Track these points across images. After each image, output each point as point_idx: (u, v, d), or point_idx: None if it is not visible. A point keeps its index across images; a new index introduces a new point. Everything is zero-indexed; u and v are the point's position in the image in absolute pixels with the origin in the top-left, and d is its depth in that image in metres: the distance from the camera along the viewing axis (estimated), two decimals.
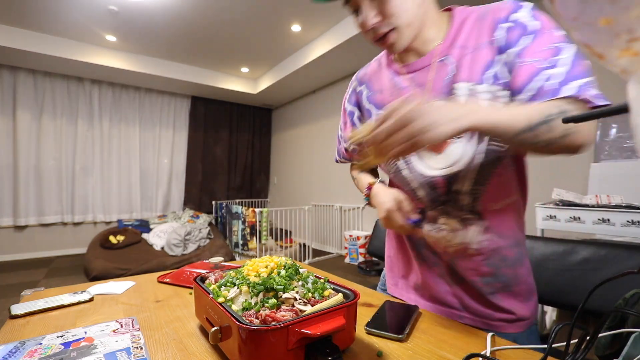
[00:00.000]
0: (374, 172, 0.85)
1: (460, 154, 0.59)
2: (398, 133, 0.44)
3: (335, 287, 0.56)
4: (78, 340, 0.54)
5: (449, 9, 0.64)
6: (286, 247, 4.11)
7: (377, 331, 0.58)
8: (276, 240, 4.29)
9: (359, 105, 0.79)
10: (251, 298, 0.50)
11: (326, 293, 0.53)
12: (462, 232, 0.63)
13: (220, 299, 0.50)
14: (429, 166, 0.63)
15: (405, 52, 0.66)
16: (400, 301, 0.72)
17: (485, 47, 0.57)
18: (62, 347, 0.52)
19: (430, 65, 0.62)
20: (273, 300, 0.47)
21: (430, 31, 0.62)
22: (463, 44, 0.59)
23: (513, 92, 0.55)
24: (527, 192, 0.67)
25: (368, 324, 0.60)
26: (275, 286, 0.50)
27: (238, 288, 0.52)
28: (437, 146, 0.61)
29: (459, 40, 0.60)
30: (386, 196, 0.67)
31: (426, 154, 0.64)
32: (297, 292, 0.51)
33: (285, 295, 0.49)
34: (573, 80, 0.49)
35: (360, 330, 0.59)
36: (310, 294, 0.51)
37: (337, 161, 0.91)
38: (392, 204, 0.65)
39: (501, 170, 0.60)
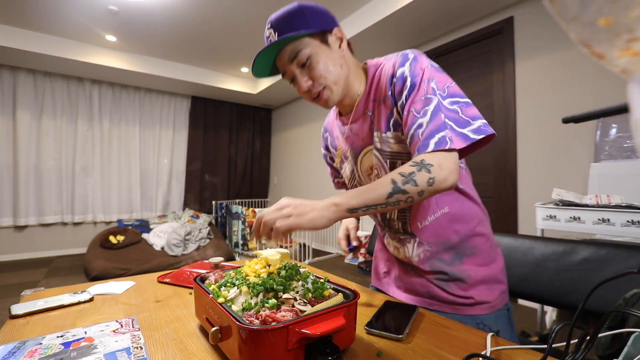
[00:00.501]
0: None
1: None
2: (278, 217, 0.54)
3: (335, 287, 0.56)
4: (78, 340, 0.54)
5: (364, 64, 0.77)
6: (286, 247, 4.11)
7: (377, 331, 0.58)
8: None
9: (327, 149, 0.95)
10: (251, 298, 0.50)
11: (326, 293, 0.53)
12: (402, 249, 0.78)
13: (220, 299, 0.50)
14: None
15: (342, 106, 0.79)
16: (400, 301, 0.73)
17: (386, 100, 0.70)
18: (62, 347, 0.52)
19: (359, 118, 0.76)
20: (273, 301, 0.47)
21: (354, 85, 0.74)
22: (375, 98, 0.73)
23: (405, 135, 0.66)
24: (466, 197, 0.75)
25: (368, 324, 0.60)
26: (275, 286, 0.50)
27: (238, 288, 0.52)
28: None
29: (372, 95, 0.73)
30: (342, 224, 0.91)
31: None
32: (297, 293, 0.51)
33: (285, 296, 0.49)
34: (436, 133, 0.60)
35: (360, 330, 0.59)
36: (310, 294, 0.51)
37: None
38: (341, 233, 0.90)
39: None
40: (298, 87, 0.71)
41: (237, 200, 5.36)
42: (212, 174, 5.37)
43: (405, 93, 0.65)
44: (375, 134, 0.73)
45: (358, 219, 0.96)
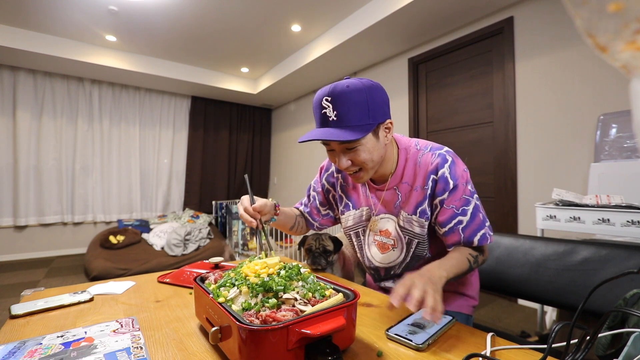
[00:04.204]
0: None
1: (395, 257, 0.87)
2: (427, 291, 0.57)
3: (336, 287, 0.56)
4: (78, 340, 0.54)
5: (394, 139, 0.86)
6: (286, 247, 4.10)
7: (398, 337, 0.56)
8: (276, 240, 4.28)
9: (333, 186, 0.99)
10: (251, 298, 0.50)
11: (327, 293, 0.53)
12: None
13: (220, 299, 0.50)
14: (374, 260, 0.92)
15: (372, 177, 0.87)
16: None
17: (419, 189, 0.80)
18: (62, 347, 0.52)
19: (387, 190, 0.85)
20: (273, 300, 0.47)
21: (387, 165, 0.83)
22: (407, 181, 0.83)
23: (439, 224, 0.79)
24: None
25: (389, 329, 0.58)
26: (275, 287, 0.50)
27: (238, 288, 0.52)
28: (382, 248, 0.89)
29: (404, 178, 0.83)
30: (241, 202, 0.88)
31: (375, 251, 0.91)
32: (297, 293, 0.51)
33: (285, 296, 0.49)
34: (478, 231, 0.76)
35: (361, 330, 0.59)
36: (310, 294, 0.51)
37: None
38: (243, 210, 0.86)
39: (422, 262, 0.85)
40: (337, 160, 0.77)
41: (237, 200, 5.35)
42: (212, 174, 5.36)
43: (445, 192, 0.76)
44: (401, 211, 0.83)
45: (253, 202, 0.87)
